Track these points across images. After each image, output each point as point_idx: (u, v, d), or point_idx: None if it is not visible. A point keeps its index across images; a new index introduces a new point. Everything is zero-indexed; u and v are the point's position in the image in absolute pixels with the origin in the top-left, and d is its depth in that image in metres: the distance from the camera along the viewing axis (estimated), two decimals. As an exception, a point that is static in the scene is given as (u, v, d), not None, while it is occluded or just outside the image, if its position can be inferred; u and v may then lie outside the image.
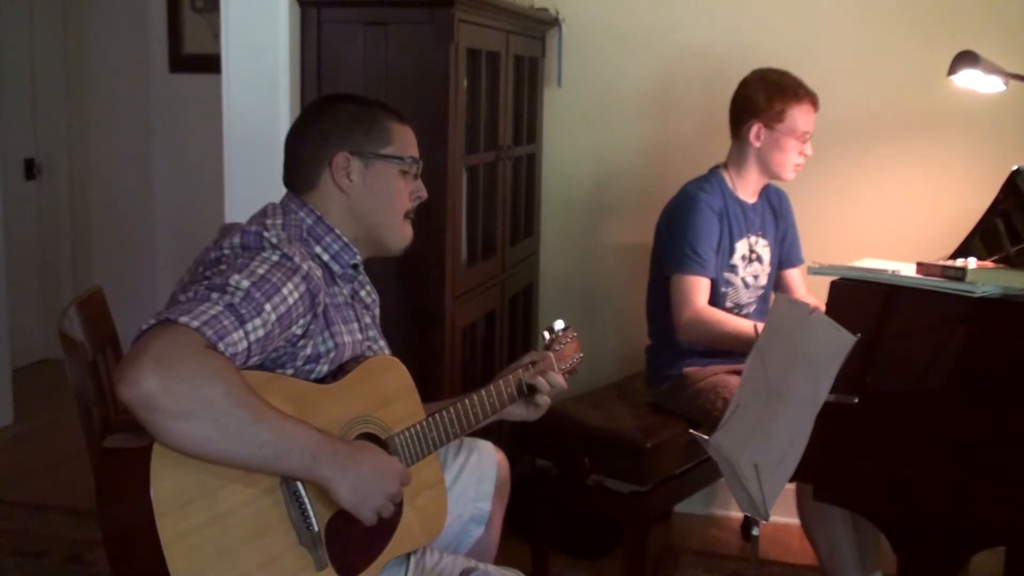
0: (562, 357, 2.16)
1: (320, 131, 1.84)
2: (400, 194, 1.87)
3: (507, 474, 2.13)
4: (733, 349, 2.74)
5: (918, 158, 3.20)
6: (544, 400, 2.06)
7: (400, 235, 1.89)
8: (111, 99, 5.01)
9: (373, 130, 1.84)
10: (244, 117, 2.56)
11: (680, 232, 2.76)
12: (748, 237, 2.87)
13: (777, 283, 2.99)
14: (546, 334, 2.18)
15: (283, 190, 1.90)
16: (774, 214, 2.96)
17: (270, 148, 2.51)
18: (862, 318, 2.02)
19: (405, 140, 1.89)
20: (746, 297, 2.88)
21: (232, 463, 1.47)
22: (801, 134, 2.77)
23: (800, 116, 2.76)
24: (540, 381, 2.04)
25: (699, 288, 2.73)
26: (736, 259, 2.84)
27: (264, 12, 2.52)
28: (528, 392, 2.05)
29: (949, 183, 3.16)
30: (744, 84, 2.83)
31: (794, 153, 2.79)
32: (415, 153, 1.90)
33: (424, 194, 1.92)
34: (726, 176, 2.86)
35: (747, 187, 2.87)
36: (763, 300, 2.93)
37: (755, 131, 2.78)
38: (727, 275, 2.83)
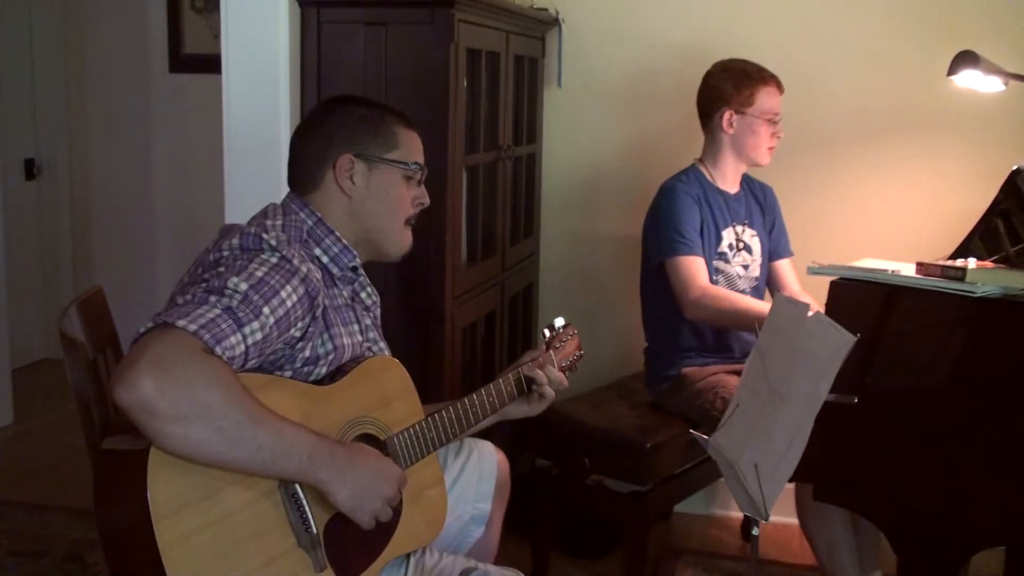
0: (562, 354, 2.16)
1: (326, 132, 1.83)
2: (402, 200, 1.87)
3: (507, 474, 2.13)
4: (742, 326, 2.76)
5: (918, 158, 3.20)
6: (547, 392, 2.05)
7: (400, 241, 1.89)
8: (111, 99, 5.01)
9: (380, 134, 1.84)
10: (244, 117, 2.56)
11: (663, 220, 2.80)
12: (734, 226, 2.89)
13: (768, 275, 3.00)
14: (546, 331, 2.18)
15: (283, 190, 1.89)
16: (760, 206, 2.98)
17: (270, 148, 2.52)
18: (862, 318, 2.02)
19: (411, 145, 1.88)
20: (741, 285, 2.90)
21: (229, 467, 1.47)
22: (771, 115, 2.83)
23: (768, 98, 2.83)
24: (538, 373, 2.04)
25: (697, 267, 2.75)
26: (724, 247, 2.86)
27: (264, 12, 2.52)
28: (527, 386, 2.05)
29: (949, 183, 3.16)
30: (709, 76, 2.90)
31: (767, 136, 2.85)
32: (420, 159, 1.89)
33: (427, 201, 1.92)
34: (703, 169, 2.91)
35: (725, 177, 2.91)
36: (757, 292, 2.95)
37: (727, 118, 2.83)
38: (717, 263, 2.85)
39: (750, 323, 2.69)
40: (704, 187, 2.86)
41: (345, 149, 1.82)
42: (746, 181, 2.97)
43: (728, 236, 2.87)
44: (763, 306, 2.72)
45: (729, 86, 2.83)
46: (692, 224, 2.78)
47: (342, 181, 1.82)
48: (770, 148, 2.87)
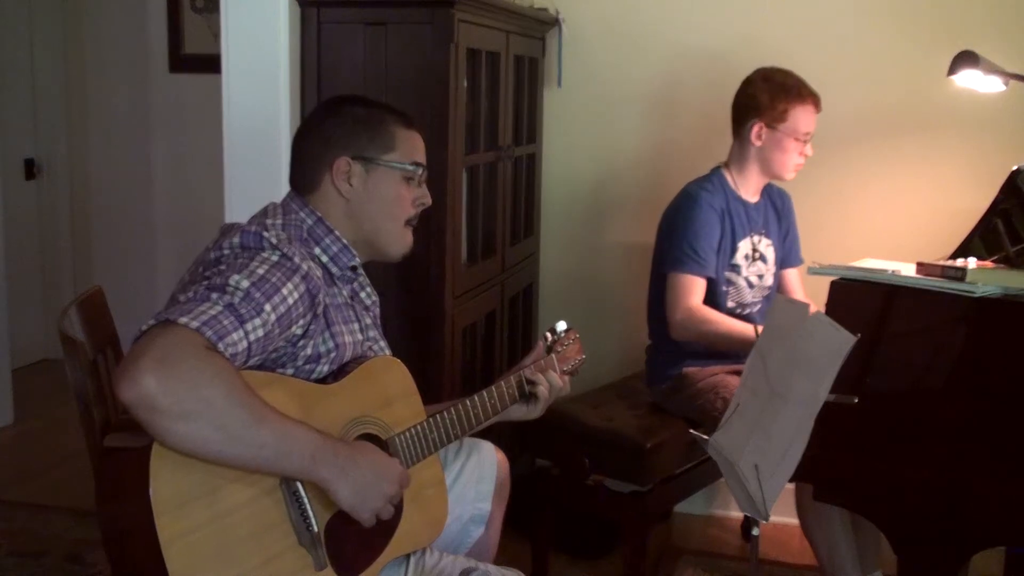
0: (564, 359, 2.16)
1: (325, 133, 1.83)
2: (402, 200, 1.86)
3: (507, 474, 2.13)
4: (726, 350, 2.75)
5: (918, 158, 3.20)
6: (541, 392, 2.04)
7: (399, 242, 1.89)
8: (111, 99, 5.01)
9: (377, 135, 1.83)
10: (244, 117, 2.56)
11: (680, 231, 2.76)
12: (751, 236, 2.87)
13: (776, 284, 2.99)
14: (548, 335, 2.18)
15: (282, 190, 1.89)
16: (777, 214, 2.96)
17: (270, 148, 2.52)
18: (862, 318, 2.02)
19: (410, 146, 1.87)
20: (750, 296, 2.88)
21: (232, 464, 1.47)
22: (802, 134, 2.78)
23: (802, 117, 2.77)
24: (539, 376, 2.05)
25: (694, 287, 2.74)
26: (739, 258, 2.84)
27: (264, 12, 2.52)
28: (528, 389, 2.05)
29: (949, 183, 3.16)
30: (747, 83, 2.83)
31: (795, 153, 2.80)
32: (420, 159, 1.88)
33: (428, 201, 1.91)
34: (727, 175, 2.87)
35: (748, 186, 2.88)
36: (768, 300, 2.94)
37: (757, 130, 2.78)
38: (728, 275, 2.83)
39: (733, 346, 2.68)
40: (728, 196, 2.83)
41: (342, 152, 1.81)
42: (765, 189, 2.94)
43: (744, 247, 2.85)
44: (746, 329, 2.70)
45: (765, 97, 2.76)
46: (709, 242, 2.75)
47: (339, 184, 1.81)
48: (797, 165, 2.82)
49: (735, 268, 2.84)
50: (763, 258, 2.90)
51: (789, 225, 2.99)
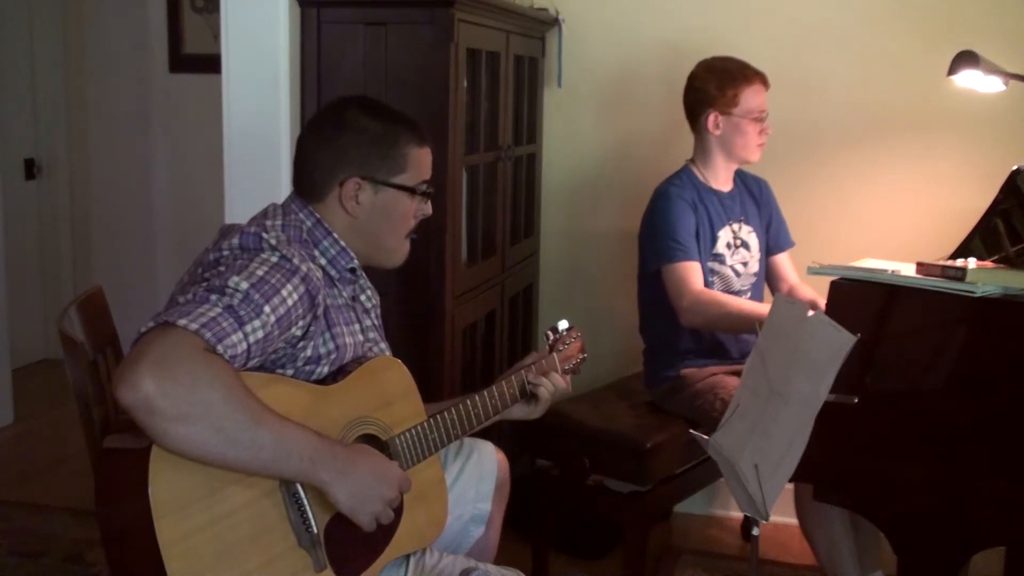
0: (565, 357, 2.16)
1: (338, 147, 1.81)
2: (405, 217, 1.86)
3: (507, 474, 2.13)
4: (737, 330, 2.76)
5: (918, 158, 3.20)
6: (543, 394, 2.05)
7: (397, 254, 1.90)
8: (111, 99, 5.01)
9: (390, 156, 1.82)
10: (244, 117, 2.56)
11: (658, 226, 2.80)
12: (730, 225, 2.89)
13: (768, 268, 3.00)
14: (549, 333, 2.18)
15: (283, 190, 1.90)
16: (755, 201, 2.98)
17: (270, 148, 2.52)
18: (862, 318, 2.02)
19: (421, 166, 1.87)
20: (738, 284, 2.90)
21: (230, 466, 1.47)
22: (757, 113, 2.82)
23: (753, 97, 2.81)
24: (542, 380, 2.05)
25: (692, 272, 2.75)
26: (720, 247, 2.86)
27: (264, 12, 2.52)
28: (530, 390, 2.06)
29: (949, 183, 3.16)
30: (693, 77, 2.88)
31: (755, 134, 2.84)
32: (428, 175, 1.89)
33: (429, 211, 1.91)
34: (695, 170, 2.91)
35: (717, 176, 2.90)
36: (756, 288, 2.95)
37: (713, 120, 2.83)
38: (712, 264, 2.85)
39: (744, 326, 2.70)
40: (698, 188, 2.86)
41: (353, 170, 1.80)
42: (739, 176, 2.97)
43: (725, 235, 2.87)
44: (756, 308, 2.73)
45: (713, 87, 2.81)
46: (687, 229, 2.78)
47: (346, 202, 1.81)
48: (760, 145, 2.86)
49: (718, 258, 2.86)
50: (745, 245, 2.91)
51: (771, 211, 3.01)
